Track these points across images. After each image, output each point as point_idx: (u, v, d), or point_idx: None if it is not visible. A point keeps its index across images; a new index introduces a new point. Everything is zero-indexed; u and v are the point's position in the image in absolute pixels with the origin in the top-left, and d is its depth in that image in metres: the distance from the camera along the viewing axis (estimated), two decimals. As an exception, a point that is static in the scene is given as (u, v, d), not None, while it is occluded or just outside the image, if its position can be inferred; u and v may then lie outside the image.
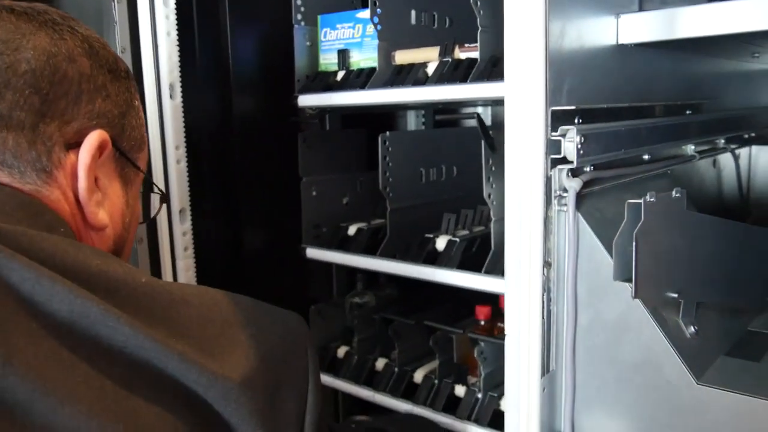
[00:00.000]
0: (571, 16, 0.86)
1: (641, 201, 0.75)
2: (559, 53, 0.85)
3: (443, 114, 1.51)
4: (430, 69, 1.20)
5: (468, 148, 1.42)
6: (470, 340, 1.24)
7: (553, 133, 0.80)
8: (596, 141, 0.82)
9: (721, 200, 1.44)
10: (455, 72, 1.16)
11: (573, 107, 0.83)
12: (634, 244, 0.73)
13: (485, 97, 1.07)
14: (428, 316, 1.34)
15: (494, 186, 1.14)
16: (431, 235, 1.25)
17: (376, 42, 1.27)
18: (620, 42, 0.96)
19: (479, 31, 1.12)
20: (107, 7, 1.22)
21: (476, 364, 1.22)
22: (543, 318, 0.87)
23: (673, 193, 0.81)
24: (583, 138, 0.78)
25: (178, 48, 1.24)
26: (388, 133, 1.28)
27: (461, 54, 1.21)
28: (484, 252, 1.16)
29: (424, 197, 1.36)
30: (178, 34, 1.24)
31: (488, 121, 1.67)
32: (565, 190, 0.80)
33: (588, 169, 0.86)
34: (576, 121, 0.83)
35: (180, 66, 1.24)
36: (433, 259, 1.22)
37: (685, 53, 1.27)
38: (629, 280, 0.77)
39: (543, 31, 0.80)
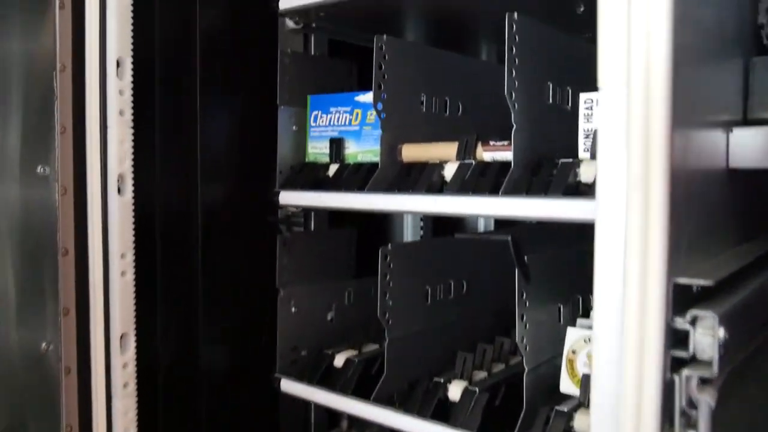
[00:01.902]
0: (692, 123, 0.63)
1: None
2: (684, 178, 0.61)
3: (460, 231, 1.26)
4: (448, 172, 0.96)
5: (481, 257, 1.18)
6: None
7: (678, 318, 0.55)
8: (741, 326, 0.57)
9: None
10: (482, 179, 0.92)
11: (709, 282, 0.56)
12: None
13: (553, 217, 0.82)
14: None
15: (528, 326, 0.89)
16: (441, 379, 0.99)
17: (378, 132, 1.04)
18: (732, 166, 0.74)
19: (513, 129, 0.89)
20: (47, 77, 0.97)
21: None
22: None
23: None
24: (728, 331, 0.53)
25: (132, 131, 0.99)
26: (390, 246, 1.03)
27: (485, 154, 0.97)
28: (511, 406, 0.90)
29: (430, 321, 1.11)
30: (133, 114, 1.00)
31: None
32: (694, 406, 0.54)
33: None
34: (694, 289, 0.58)
35: (134, 153, 0.99)
36: (446, 412, 0.95)
37: None
38: None
39: (666, 140, 0.57)
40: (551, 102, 0.97)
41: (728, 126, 0.75)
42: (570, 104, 1.01)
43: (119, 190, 0.98)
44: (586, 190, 0.84)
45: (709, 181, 0.73)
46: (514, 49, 0.88)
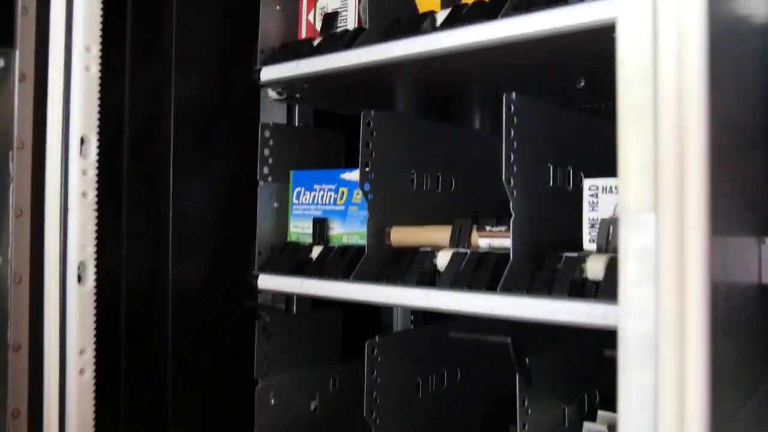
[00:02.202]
0: (726, 232, 0.56)
1: None
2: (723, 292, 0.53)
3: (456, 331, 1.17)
4: (441, 261, 0.88)
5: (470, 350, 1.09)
6: None
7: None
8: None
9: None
10: (477, 271, 0.84)
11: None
12: None
13: (557, 321, 0.73)
14: None
15: (531, 437, 0.80)
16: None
17: (364, 213, 0.96)
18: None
19: (512, 218, 0.81)
20: (2, 155, 0.89)
21: None
22: None
23: None
24: None
25: (96, 213, 0.91)
26: (377, 338, 0.94)
27: (481, 240, 0.90)
28: None
29: (422, 416, 1.01)
30: (99, 193, 0.92)
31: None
32: None
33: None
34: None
35: (98, 237, 0.91)
36: None
37: None
38: None
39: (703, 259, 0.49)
40: (552, 185, 0.90)
41: (761, 235, 0.68)
42: (571, 185, 0.94)
43: (79, 279, 0.89)
44: (593, 289, 0.76)
45: (743, 300, 0.65)
46: (512, 131, 0.81)
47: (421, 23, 0.87)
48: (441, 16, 0.87)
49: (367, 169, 0.94)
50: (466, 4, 0.86)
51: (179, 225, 1.04)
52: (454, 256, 0.87)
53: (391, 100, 1.17)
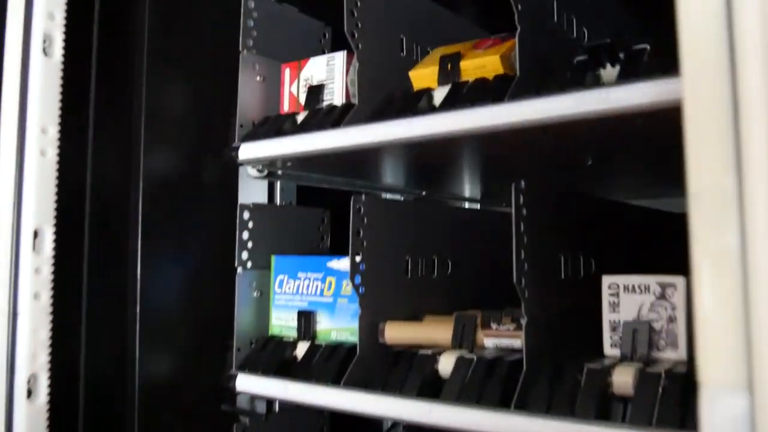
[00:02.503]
0: None
1: None
2: None
3: None
4: (445, 366, 0.78)
5: None
6: None
7: None
8: None
9: None
10: (487, 382, 0.74)
11: None
12: None
13: None
14: None
15: None
16: None
17: (355, 306, 0.86)
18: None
19: (525, 323, 0.72)
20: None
21: None
22: None
23: None
24: None
25: (50, 319, 0.80)
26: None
27: (487, 340, 0.80)
28: None
29: None
30: (53, 297, 0.81)
31: None
32: None
33: None
34: None
35: (51, 343, 0.79)
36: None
37: None
38: None
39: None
40: (563, 277, 0.81)
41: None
42: (582, 272, 0.85)
43: (29, 394, 0.78)
44: (621, 406, 0.67)
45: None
46: (522, 224, 0.72)
47: (418, 102, 0.79)
48: (439, 94, 0.79)
49: (358, 259, 0.85)
50: (466, 81, 0.78)
51: (147, 320, 0.94)
52: (459, 361, 0.77)
53: (380, 174, 1.09)
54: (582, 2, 0.88)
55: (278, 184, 1.09)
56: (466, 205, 1.54)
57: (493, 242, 1.15)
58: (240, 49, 1.00)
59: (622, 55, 0.65)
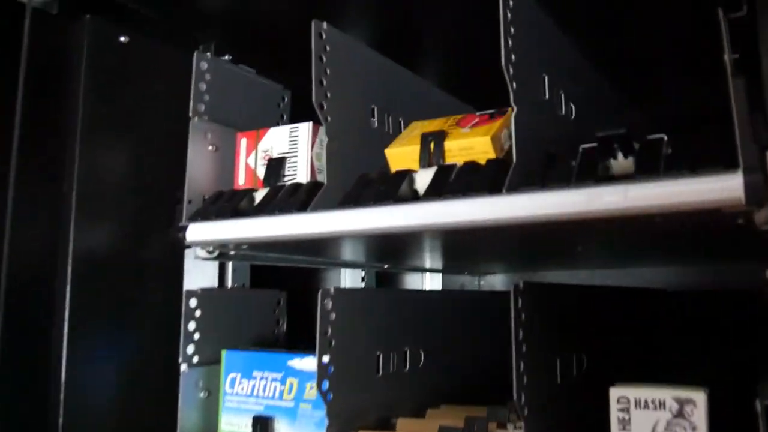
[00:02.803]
0: None
1: None
2: None
3: None
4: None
5: None
6: None
7: None
8: None
9: None
10: None
11: None
12: None
13: None
14: None
15: None
16: None
17: (320, 414, 0.75)
18: None
19: (525, 443, 0.62)
20: None
21: None
22: None
23: None
24: None
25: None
26: None
27: (475, 457, 0.70)
28: None
29: None
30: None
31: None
32: None
33: None
34: None
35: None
36: None
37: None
38: None
39: None
40: (560, 382, 0.72)
41: None
42: (574, 371, 0.77)
43: None
44: None
45: None
46: (521, 332, 0.63)
47: (397, 185, 0.70)
48: (422, 178, 0.70)
49: (325, 361, 0.74)
50: (453, 165, 0.70)
51: (73, 429, 0.80)
52: (447, 487, 0.67)
53: (344, 253, 0.99)
54: (568, 74, 0.82)
55: (230, 265, 0.98)
56: (428, 275, 1.46)
57: (464, 326, 1.07)
58: (190, 115, 0.89)
59: (636, 146, 0.58)
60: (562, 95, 0.78)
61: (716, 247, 0.90)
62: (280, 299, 1.01)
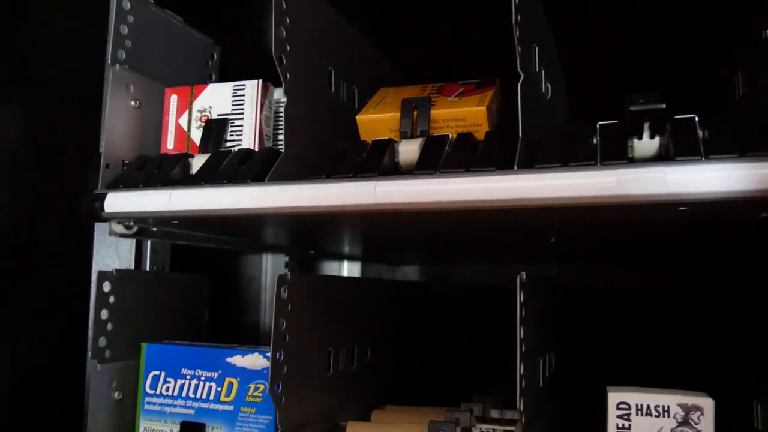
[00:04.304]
0: None
1: None
2: None
3: None
4: None
5: None
6: None
7: None
8: None
9: None
10: None
11: None
12: None
13: None
14: None
15: None
16: None
17: (266, 419, 0.64)
18: None
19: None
20: None
21: None
22: None
23: None
24: None
25: None
26: None
27: (450, 467, 0.62)
28: None
29: None
30: None
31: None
32: None
33: None
34: None
35: None
36: None
37: None
38: None
39: None
40: (542, 384, 0.66)
41: None
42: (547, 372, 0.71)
43: None
44: None
45: None
46: (523, 329, 0.56)
47: (381, 157, 0.60)
48: (406, 150, 0.61)
49: (279, 358, 0.63)
50: (444, 136, 0.61)
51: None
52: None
53: (280, 235, 0.87)
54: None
55: (148, 246, 0.83)
56: (345, 264, 1.36)
57: (409, 317, 0.99)
58: (109, 62, 0.74)
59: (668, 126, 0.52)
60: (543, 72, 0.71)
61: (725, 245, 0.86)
62: (203, 285, 0.88)
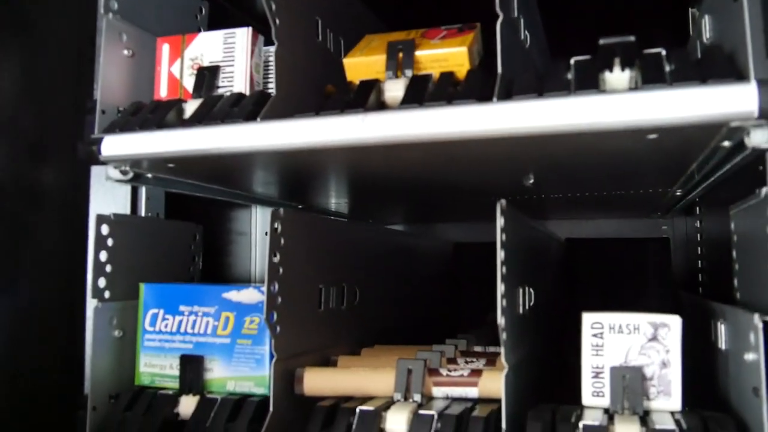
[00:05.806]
0: None
1: None
2: None
3: None
4: (395, 425, 0.63)
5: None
6: None
7: None
8: None
9: None
10: (456, 446, 0.60)
11: None
12: None
13: None
14: None
15: None
16: None
17: (261, 350, 0.68)
18: None
19: (505, 373, 0.59)
20: None
21: None
22: None
23: None
24: None
25: None
26: None
27: (435, 389, 0.67)
28: None
29: None
30: None
31: None
32: None
33: None
34: None
35: None
36: None
37: None
38: None
39: None
40: (522, 312, 0.70)
41: None
42: (533, 301, 0.75)
43: None
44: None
45: None
46: (503, 253, 0.59)
47: (367, 96, 0.63)
48: (392, 88, 0.64)
49: (275, 290, 0.66)
50: (428, 75, 0.64)
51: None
52: (416, 420, 0.62)
53: (269, 183, 0.90)
54: None
55: (143, 193, 0.86)
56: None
57: (397, 265, 1.03)
58: (102, 11, 0.76)
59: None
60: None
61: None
62: (196, 233, 0.91)
